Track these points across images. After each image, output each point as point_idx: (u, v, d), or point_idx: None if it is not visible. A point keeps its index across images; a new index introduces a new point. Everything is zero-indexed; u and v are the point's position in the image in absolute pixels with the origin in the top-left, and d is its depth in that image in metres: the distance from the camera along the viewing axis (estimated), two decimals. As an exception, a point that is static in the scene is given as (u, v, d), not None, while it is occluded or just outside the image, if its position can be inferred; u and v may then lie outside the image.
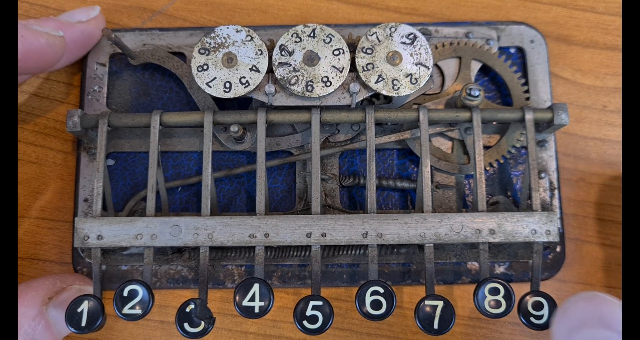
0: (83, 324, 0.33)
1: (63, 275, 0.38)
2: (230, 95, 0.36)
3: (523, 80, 0.41)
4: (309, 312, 0.33)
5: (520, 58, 0.42)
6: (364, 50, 0.36)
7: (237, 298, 0.33)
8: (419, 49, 0.36)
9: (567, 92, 0.43)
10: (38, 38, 0.34)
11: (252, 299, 0.33)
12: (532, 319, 0.34)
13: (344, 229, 0.35)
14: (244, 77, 0.36)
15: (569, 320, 0.30)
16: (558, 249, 0.39)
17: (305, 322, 0.33)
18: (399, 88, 0.35)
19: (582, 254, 0.40)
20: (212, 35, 0.36)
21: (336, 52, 0.35)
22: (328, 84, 0.35)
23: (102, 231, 0.35)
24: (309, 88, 0.35)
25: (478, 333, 0.39)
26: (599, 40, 0.44)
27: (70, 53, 0.40)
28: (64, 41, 0.36)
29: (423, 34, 0.40)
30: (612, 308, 0.30)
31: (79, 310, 0.34)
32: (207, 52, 0.36)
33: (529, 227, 0.35)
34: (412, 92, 0.36)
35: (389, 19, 0.44)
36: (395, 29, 0.36)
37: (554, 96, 0.42)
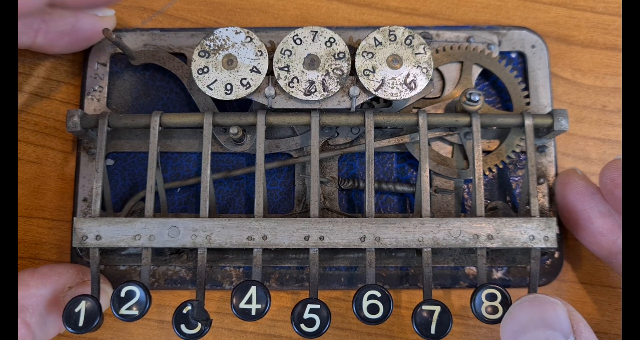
0: (80, 324, 0.34)
1: (84, 268, 0.38)
2: (232, 97, 0.36)
3: (523, 85, 0.40)
4: (306, 316, 0.33)
5: (521, 63, 0.42)
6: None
7: (234, 300, 0.33)
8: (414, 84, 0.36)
9: (567, 92, 0.43)
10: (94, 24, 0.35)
11: (249, 302, 0.33)
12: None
13: (342, 233, 0.35)
14: (245, 79, 0.35)
15: (513, 324, 0.32)
16: (556, 255, 0.39)
17: (302, 325, 0.33)
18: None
19: (581, 254, 0.41)
20: (212, 37, 0.36)
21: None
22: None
23: (101, 231, 0.35)
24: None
25: (478, 333, 0.40)
26: (598, 40, 0.44)
27: (75, 39, 0.40)
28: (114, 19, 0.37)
29: (424, 37, 0.40)
30: (553, 308, 0.31)
31: (76, 310, 0.34)
32: (207, 54, 0.36)
33: (527, 233, 0.35)
34: (412, 96, 0.36)
35: (389, 18, 0.44)
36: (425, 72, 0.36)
37: (554, 96, 0.42)
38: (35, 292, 0.34)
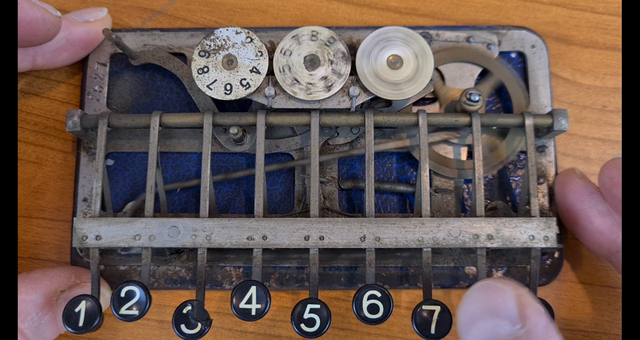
0: (80, 324, 0.34)
1: (79, 270, 0.38)
2: (231, 97, 0.36)
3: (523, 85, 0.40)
4: (306, 315, 0.33)
5: (521, 63, 0.42)
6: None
7: (234, 300, 0.33)
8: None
9: (567, 92, 0.43)
10: (34, 10, 0.34)
11: (249, 302, 0.33)
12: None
13: (342, 233, 0.35)
14: (245, 79, 0.35)
15: (465, 314, 0.31)
16: (556, 255, 0.39)
17: (302, 325, 0.33)
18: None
19: (581, 254, 0.41)
20: (212, 37, 0.36)
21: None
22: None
23: (101, 231, 0.35)
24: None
25: (477, 332, 0.40)
26: (598, 40, 0.44)
27: (74, 51, 0.40)
28: (60, 22, 0.36)
29: (424, 37, 0.40)
30: (502, 295, 0.30)
31: (76, 310, 0.34)
32: (207, 54, 0.36)
33: (527, 233, 0.35)
34: (412, 96, 0.36)
35: (389, 18, 0.44)
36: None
37: (554, 96, 0.42)
38: (25, 298, 0.34)
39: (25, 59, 0.39)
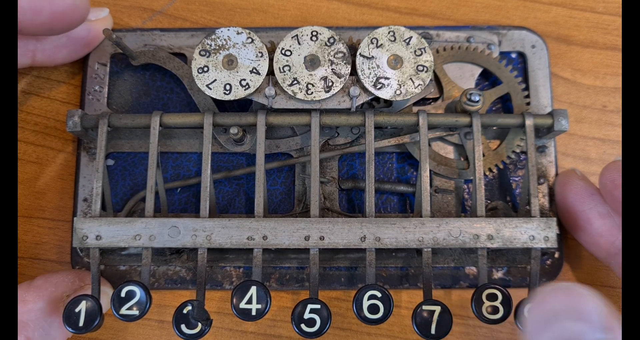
0: (81, 324, 0.34)
1: (82, 273, 0.38)
2: (230, 97, 0.36)
3: (524, 85, 0.40)
4: (306, 316, 0.33)
5: (521, 63, 0.42)
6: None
7: (234, 300, 0.33)
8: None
9: (567, 92, 0.43)
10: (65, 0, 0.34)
11: (249, 302, 0.33)
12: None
13: (342, 233, 0.35)
14: (244, 80, 0.35)
15: (542, 311, 0.29)
16: (557, 255, 0.39)
17: (303, 325, 0.33)
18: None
19: (581, 254, 0.41)
20: (213, 37, 0.36)
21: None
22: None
23: (101, 231, 0.35)
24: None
25: (478, 332, 0.40)
26: (598, 40, 0.44)
27: (74, 49, 0.40)
28: (88, 2, 0.36)
29: (424, 37, 0.40)
30: (587, 300, 0.29)
31: (76, 310, 0.34)
32: (207, 53, 0.36)
33: (527, 233, 0.35)
34: (413, 96, 0.36)
35: (389, 18, 0.44)
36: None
37: (554, 96, 0.42)
38: (33, 307, 0.34)
39: (25, 55, 0.38)
